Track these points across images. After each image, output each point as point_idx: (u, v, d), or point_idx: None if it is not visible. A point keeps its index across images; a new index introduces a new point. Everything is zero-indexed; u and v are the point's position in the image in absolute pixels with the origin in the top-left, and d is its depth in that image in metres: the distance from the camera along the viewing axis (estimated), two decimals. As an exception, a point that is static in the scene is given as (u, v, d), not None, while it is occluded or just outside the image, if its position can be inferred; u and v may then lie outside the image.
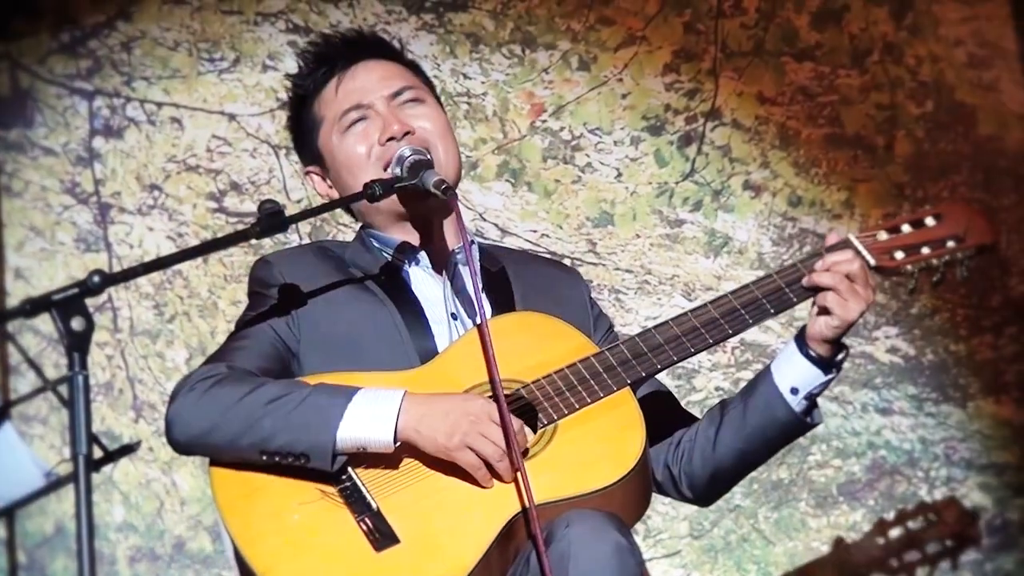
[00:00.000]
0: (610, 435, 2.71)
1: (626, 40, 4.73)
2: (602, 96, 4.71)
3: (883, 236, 2.89)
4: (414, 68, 3.09)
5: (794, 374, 2.83)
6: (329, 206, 2.93)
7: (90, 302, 2.35)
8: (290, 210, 2.69)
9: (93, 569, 2.23)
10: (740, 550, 4.56)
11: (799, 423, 2.85)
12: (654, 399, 2.98)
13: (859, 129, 4.79)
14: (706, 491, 2.97)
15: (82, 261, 4.55)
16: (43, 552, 4.48)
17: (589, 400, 2.75)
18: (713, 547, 4.55)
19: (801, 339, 2.84)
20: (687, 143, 4.72)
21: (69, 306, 2.32)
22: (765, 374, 2.86)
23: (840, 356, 2.84)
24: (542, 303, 2.93)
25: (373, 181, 2.79)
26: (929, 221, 2.91)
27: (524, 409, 2.74)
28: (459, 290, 2.94)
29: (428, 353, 2.83)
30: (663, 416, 2.95)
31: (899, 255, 2.87)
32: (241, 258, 4.50)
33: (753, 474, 3.05)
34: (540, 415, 2.74)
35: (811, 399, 2.84)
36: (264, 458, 2.65)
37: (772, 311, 2.85)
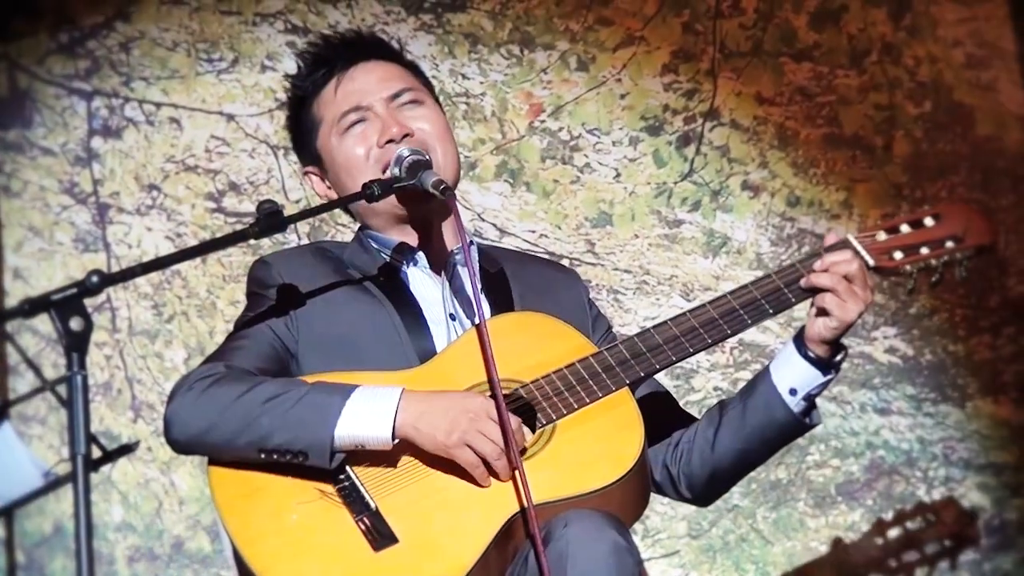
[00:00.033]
0: (609, 435, 2.71)
1: (624, 40, 4.73)
2: (600, 96, 4.71)
3: (882, 236, 2.89)
4: (413, 69, 3.08)
5: (793, 375, 2.83)
6: (328, 206, 2.92)
7: (89, 302, 2.34)
8: (289, 210, 2.68)
9: (92, 569, 2.22)
10: (738, 550, 4.56)
11: (798, 424, 2.85)
12: (653, 399, 2.97)
13: (857, 129, 4.79)
14: (705, 491, 2.97)
15: (80, 261, 4.55)
16: (42, 552, 4.48)
17: (588, 400, 2.75)
18: (711, 547, 4.55)
19: (800, 340, 2.84)
20: (686, 143, 4.72)
21: (67, 306, 2.31)
22: (764, 375, 2.86)
23: (839, 357, 2.84)
24: (541, 304, 2.93)
25: (372, 181, 2.78)
26: (928, 221, 2.91)
27: (523, 409, 2.74)
28: (458, 291, 2.94)
29: (427, 354, 2.82)
30: (662, 416, 2.95)
31: (898, 255, 2.87)
32: (240, 258, 4.50)
33: (751, 474, 3.05)
34: (539, 415, 2.73)
35: (810, 400, 2.84)
36: (262, 456, 2.65)
37: (771, 311, 2.85)
